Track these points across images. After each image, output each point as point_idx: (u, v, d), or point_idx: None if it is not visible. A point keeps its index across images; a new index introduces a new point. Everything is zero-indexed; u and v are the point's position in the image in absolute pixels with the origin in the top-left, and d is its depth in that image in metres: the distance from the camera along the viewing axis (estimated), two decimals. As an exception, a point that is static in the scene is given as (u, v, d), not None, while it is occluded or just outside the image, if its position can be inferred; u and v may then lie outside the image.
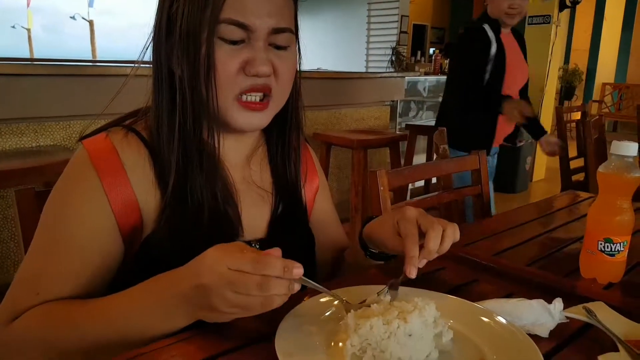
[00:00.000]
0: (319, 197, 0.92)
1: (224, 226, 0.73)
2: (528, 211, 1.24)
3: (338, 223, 0.97)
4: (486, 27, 2.25)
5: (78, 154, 0.72)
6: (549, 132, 2.45)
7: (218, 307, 0.53)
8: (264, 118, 0.73)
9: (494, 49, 2.23)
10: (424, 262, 0.67)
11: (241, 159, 0.80)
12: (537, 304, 0.65)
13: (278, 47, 0.71)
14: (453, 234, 0.68)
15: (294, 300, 0.62)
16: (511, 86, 2.32)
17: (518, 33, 2.42)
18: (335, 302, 0.64)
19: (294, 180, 0.84)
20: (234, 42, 0.68)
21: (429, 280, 0.81)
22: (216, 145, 0.73)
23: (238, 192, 0.77)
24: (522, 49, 2.41)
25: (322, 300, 0.65)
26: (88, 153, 0.70)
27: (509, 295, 0.75)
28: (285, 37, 0.71)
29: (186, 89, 0.69)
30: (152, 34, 0.72)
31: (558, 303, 0.65)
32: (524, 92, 2.44)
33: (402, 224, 0.69)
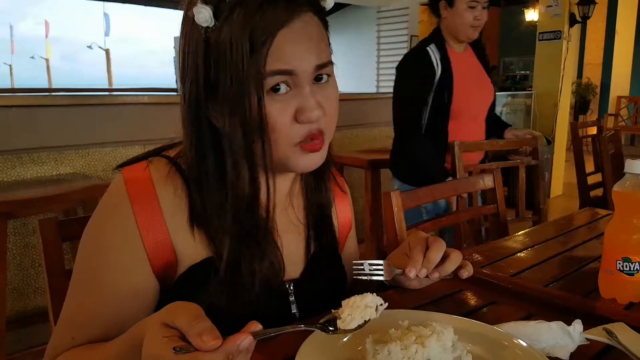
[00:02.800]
0: (350, 236, 0.92)
1: (267, 270, 0.72)
2: (546, 230, 1.23)
3: (356, 249, 0.96)
4: (430, 49, 2.00)
5: (115, 182, 0.71)
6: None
7: None
8: (322, 155, 0.72)
9: (438, 73, 1.98)
10: (424, 271, 0.70)
11: (283, 196, 0.80)
12: (557, 326, 0.65)
13: (319, 79, 0.70)
14: (456, 258, 0.72)
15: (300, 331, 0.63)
16: (476, 108, 2.09)
17: (477, 45, 2.19)
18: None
19: (328, 214, 0.83)
20: (277, 90, 0.66)
21: (446, 302, 0.81)
22: (264, 188, 0.71)
23: (279, 231, 0.76)
24: (483, 63, 2.17)
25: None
26: (124, 180, 0.69)
27: (528, 317, 0.74)
28: (327, 69, 0.70)
29: (234, 147, 0.68)
30: (185, 97, 0.70)
31: (578, 325, 0.65)
32: (491, 115, 2.21)
33: (412, 240, 0.74)
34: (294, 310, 0.76)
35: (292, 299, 0.76)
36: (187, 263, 0.70)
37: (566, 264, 1.00)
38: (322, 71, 0.69)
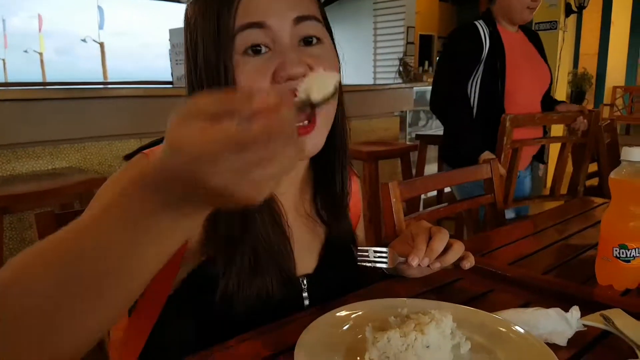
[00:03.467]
0: (359, 227, 0.91)
1: (279, 264, 0.69)
2: (542, 219, 1.23)
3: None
4: (479, 23, 1.93)
5: (136, 159, 0.66)
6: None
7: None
8: (316, 139, 0.64)
9: (486, 47, 1.90)
10: (426, 260, 0.70)
11: (294, 188, 0.76)
12: (554, 312, 0.65)
13: (308, 42, 0.63)
14: (459, 249, 0.72)
15: (312, 315, 0.63)
16: (530, 91, 1.98)
17: (531, 31, 2.10)
18: (353, 316, 0.64)
19: (342, 205, 0.79)
20: (258, 52, 0.60)
21: (445, 291, 0.81)
22: None
23: (290, 226, 0.73)
24: (539, 50, 2.07)
25: (339, 314, 0.65)
26: (149, 158, 0.65)
27: (526, 304, 0.75)
28: (312, 25, 0.63)
29: None
30: (185, 78, 0.67)
31: (575, 311, 0.65)
32: (546, 99, 2.08)
33: (415, 229, 0.73)
34: (306, 304, 0.74)
35: (305, 294, 0.74)
36: (195, 256, 0.67)
37: (563, 252, 1.00)
38: (306, 26, 0.62)
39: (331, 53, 0.67)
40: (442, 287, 0.82)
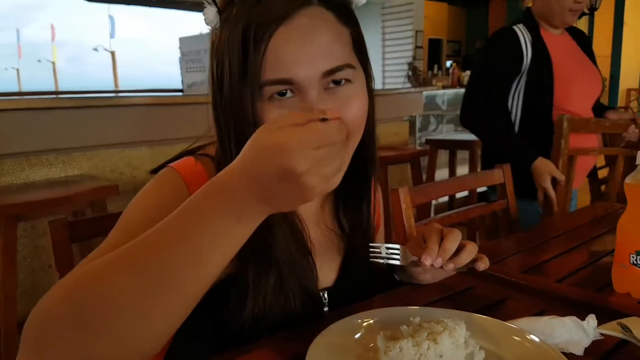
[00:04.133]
0: (378, 237, 0.90)
1: (301, 281, 0.69)
2: (556, 224, 1.22)
3: None
4: (518, 28, 1.72)
5: (165, 172, 0.66)
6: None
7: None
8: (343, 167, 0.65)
9: (528, 56, 1.70)
10: (439, 260, 0.68)
11: (315, 203, 0.76)
12: (570, 321, 0.64)
13: (337, 82, 0.62)
14: (472, 250, 0.70)
15: (324, 323, 0.63)
16: (581, 100, 1.77)
17: (577, 31, 1.88)
18: (365, 324, 0.64)
19: (366, 223, 0.78)
20: (283, 94, 0.60)
21: (458, 298, 0.80)
22: None
23: (312, 239, 0.72)
24: (587, 52, 1.85)
25: (351, 322, 0.64)
26: (179, 172, 0.65)
27: (540, 313, 0.74)
28: (343, 75, 0.62)
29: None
30: (210, 91, 0.65)
31: (592, 320, 0.64)
32: (596, 106, 1.87)
33: (427, 231, 0.72)
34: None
35: (326, 309, 0.74)
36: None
37: (578, 259, 0.99)
38: (335, 77, 0.61)
39: (360, 91, 0.65)
40: (454, 294, 0.81)
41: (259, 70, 0.58)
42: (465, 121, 1.84)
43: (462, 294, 0.82)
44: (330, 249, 0.77)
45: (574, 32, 1.86)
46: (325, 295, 0.74)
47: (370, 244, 0.71)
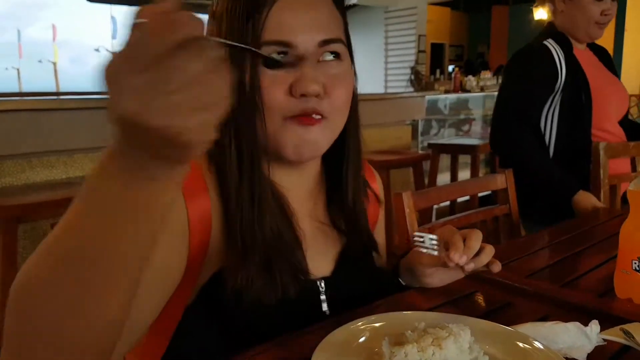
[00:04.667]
0: (377, 231, 0.90)
1: (292, 264, 0.69)
2: (559, 230, 1.22)
3: (384, 252, 0.93)
4: (549, 43, 1.60)
5: None
6: None
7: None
8: (319, 135, 0.66)
9: (563, 74, 1.58)
10: (464, 258, 0.68)
11: (305, 193, 0.76)
12: (573, 326, 0.64)
13: (328, 58, 0.66)
14: (490, 251, 0.71)
15: (326, 329, 0.63)
16: (613, 117, 1.68)
17: (597, 47, 1.79)
18: (369, 329, 0.64)
19: (356, 213, 0.78)
20: (279, 65, 0.63)
21: (462, 303, 0.80)
22: (278, 181, 0.70)
23: (303, 230, 0.73)
24: (609, 67, 1.77)
25: (355, 327, 0.64)
26: None
27: (544, 318, 0.74)
28: (335, 47, 0.66)
29: (233, 124, 0.64)
30: None
31: (595, 325, 0.64)
32: (625, 123, 1.75)
33: (447, 232, 0.72)
34: (324, 308, 0.74)
35: (322, 297, 0.74)
36: (216, 262, 0.67)
37: (581, 264, 0.99)
38: (329, 48, 0.65)
39: (348, 73, 0.69)
40: (458, 299, 0.81)
41: (259, 33, 0.61)
42: (497, 147, 1.70)
43: (466, 298, 0.82)
44: (325, 242, 0.77)
45: (594, 48, 1.76)
46: (322, 284, 0.74)
47: (416, 233, 0.73)
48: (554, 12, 1.67)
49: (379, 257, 0.87)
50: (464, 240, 0.70)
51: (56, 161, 2.32)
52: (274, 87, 0.63)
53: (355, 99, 0.74)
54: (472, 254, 0.69)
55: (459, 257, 0.67)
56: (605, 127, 1.64)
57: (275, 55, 0.64)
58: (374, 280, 0.81)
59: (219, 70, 0.34)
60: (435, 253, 0.71)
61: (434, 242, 0.71)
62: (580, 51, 1.67)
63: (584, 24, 1.59)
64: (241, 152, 0.65)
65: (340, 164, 0.76)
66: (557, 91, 1.59)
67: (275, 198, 0.70)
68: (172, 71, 0.32)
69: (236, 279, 0.64)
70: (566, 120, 1.60)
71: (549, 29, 1.68)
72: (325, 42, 0.65)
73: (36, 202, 1.81)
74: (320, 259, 0.75)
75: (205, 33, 0.34)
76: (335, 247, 0.78)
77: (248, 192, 0.66)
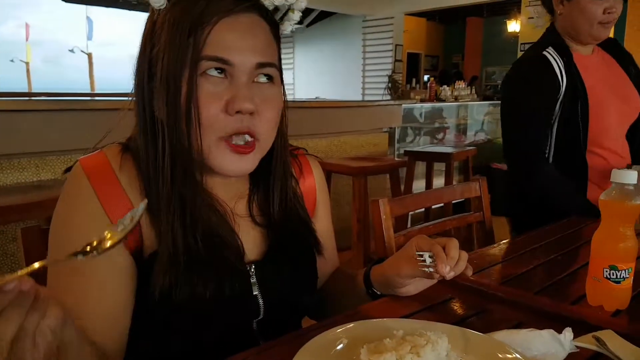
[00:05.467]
0: (318, 216, 0.91)
1: (224, 252, 0.72)
2: (532, 237, 1.24)
3: (332, 244, 0.95)
4: (549, 53, 1.49)
5: (73, 170, 0.71)
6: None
7: None
8: (250, 162, 0.72)
9: (563, 86, 1.47)
10: (448, 269, 0.72)
11: (231, 196, 0.79)
12: (548, 334, 0.65)
13: (261, 81, 0.70)
14: (465, 257, 0.75)
15: (304, 335, 0.63)
16: (615, 133, 1.55)
17: (613, 43, 1.64)
18: (347, 337, 0.63)
19: (283, 212, 0.82)
20: (214, 77, 0.67)
21: (436, 310, 0.81)
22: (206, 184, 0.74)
23: (236, 217, 0.77)
24: (624, 67, 1.60)
25: (333, 335, 0.64)
26: (82, 166, 0.70)
27: (518, 325, 0.75)
28: (269, 70, 0.71)
29: (167, 134, 0.68)
30: (134, 78, 0.72)
31: (568, 333, 0.65)
32: (636, 130, 1.59)
33: (424, 243, 0.76)
34: (255, 292, 0.75)
35: (253, 280, 0.75)
36: (149, 245, 0.70)
37: (553, 271, 1.01)
38: (264, 71, 0.70)
39: (278, 95, 0.74)
40: (434, 306, 0.82)
41: (200, 48, 0.65)
42: (516, 162, 1.59)
43: (441, 305, 0.83)
44: (254, 232, 0.79)
45: (607, 43, 1.60)
46: (252, 269, 0.76)
47: (417, 252, 0.75)
48: (554, 16, 1.57)
49: (323, 248, 0.87)
50: (443, 249, 0.73)
51: (27, 163, 2.25)
52: (211, 102, 0.67)
53: (284, 119, 0.79)
54: (454, 263, 0.72)
55: (447, 270, 0.71)
56: (604, 144, 1.52)
57: (211, 72, 0.67)
58: (305, 265, 0.84)
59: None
60: (432, 270, 0.73)
61: (432, 259, 0.74)
62: (585, 57, 1.54)
63: (585, 25, 1.46)
64: (174, 161, 0.68)
65: (266, 177, 0.81)
66: (557, 104, 1.50)
67: (204, 197, 0.73)
68: None
69: (163, 281, 0.66)
70: (562, 138, 1.52)
71: (550, 33, 1.57)
72: (261, 65, 0.69)
73: (6, 205, 1.75)
74: (250, 247, 0.78)
75: None
76: (262, 238, 0.80)
77: (180, 197, 0.69)
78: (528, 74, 1.55)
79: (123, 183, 0.69)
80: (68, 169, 0.72)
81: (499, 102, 1.68)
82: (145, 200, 0.52)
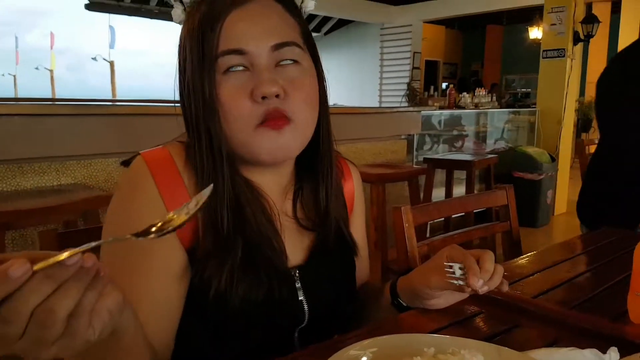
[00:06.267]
0: (354, 224, 0.89)
1: (270, 257, 0.71)
2: (564, 248, 1.19)
3: (365, 254, 0.92)
4: None
5: (134, 162, 0.70)
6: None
7: None
8: (288, 137, 0.69)
9: None
10: (481, 283, 0.67)
11: (278, 191, 0.78)
12: (591, 353, 0.61)
13: (285, 63, 0.69)
14: (501, 271, 0.70)
15: (331, 348, 0.59)
16: None
17: None
18: (374, 353, 0.60)
19: (328, 212, 0.79)
20: (237, 73, 0.67)
21: (467, 325, 0.76)
22: (254, 179, 0.73)
23: (281, 220, 0.75)
24: None
25: (361, 349, 0.60)
26: (144, 160, 0.69)
27: (554, 341, 0.70)
28: (290, 51, 0.69)
29: (208, 135, 0.68)
30: (179, 88, 0.73)
31: (614, 353, 0.61)
32: None
33: (456, 253, 0.72)
34: (300, 297, 0.74)
35: (298, 285, 0.74)
36: (205, 244, 0.68)
37: (589, 285, 0.95)
38: (284, 51, 0.68)
39: (308, 75, 0.71)
40: (463, 321, 0.77)
41: (215, 46, 0.65)
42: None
43: (470, 319, 0.79)
44: (298, 234, 0.78)
45: None
46: (297, 273, 0.74)
47: (445, 263, 0.71)
48: None
49: (358, 257, 0.86)
50: (477, 262, 0.69)
51: (48, 167, 2.27)
52: (236, 96, 0.66)
53: (325, 103, 0.76)
54: (489, 277, 0.68)
55: (480, 284, 0.67)
56: None
57: (233, 69, 0.67)
58: (347, 272, 0.83)
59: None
60: (462, 283, 0.69)
61: (462, 271, 0.69)
62: None
63: None
64: (214, 156, 0.68)
65: (313, 167, 0.78)
66: None
67: (253, 195, 0.72)
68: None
69: (220, 281, 0.66)
70: None
71: None
72: (279, 46, 0.68)
73: (25, 208, 1.76)
74: (294, 250, 0.76)
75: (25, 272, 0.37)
76: (306, 241, 0.79)
77: (227, 191, 0.68)
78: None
79: (185, 180, 0.69)
80: (126, 162, 0.71)
81: (521, 109, 1.56)
82: (211, 185, 0.50)
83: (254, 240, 0.69)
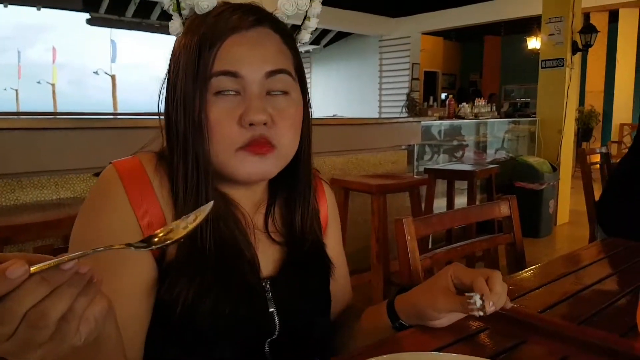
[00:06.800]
0: (329, 236, 0.88)
1: (242, 266, 0.71)
2: (569, 261, 1.17)
3: (343, 271, 0.91)
4: None
5: (105, 171, 0.70)
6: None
7: None
8: (270, 164, 0.70)
9: None
10: (492, 306, 0.67)
11: (250, 205, 0.78)
12: (601, 371, 0.59)
13: (275, 93, 0.70)
14: (506, 289, 0.70)
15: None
16: None
17: None
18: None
19: (302, 228, 0.80)
20: (228, 96, 0.68)
21: (472, 343, 0.74)
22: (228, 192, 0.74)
23: (255, 232, 0.76)
24: None
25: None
26: (116, 168, 0.69)
27: (563, 358, 0.68)
28: (281, 79, 0.70)
29: (189, 149, 0.68)
30: (164, 100, 0.73)
31: (625, 370, 0.59)
32: None
33: (462, 272, 0.71)
34: (271, 308, 0.73)
35: (269, 296, 0.73)
36: (171, 252, 0.68)
37: (597, 298, 0.93)
38: (276, 79, 0.69)
39: (294, 105, 0.73)
40: (469, 337, 0.76)
41: (210, 65, 0.66)
42: None
43: (476, 336, 0.77)
44: (267, 248, 0.78)
45: None
46: (268, 284, 0.74)
47: (467, 294, 0.69)
48: None
49: (333, 277, 0.85)
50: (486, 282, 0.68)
51: (47, 181, 2.26)
52: (225, 119, 0.67)
53: (308, 128, 0.77)
54: (498, 299, 0.68)
55: (493, 308, 0.67)
56: None
57: (225, 92, 0.67)
58: (320, 286, 0.82)
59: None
60: (482, 314, 0.67)
61: (481, 301, 0.67)
62: None
63: None
64: (199, 173, 0.69)
65: (290, 186, 0.79)
66: None
67: (229, 208, 0.73)
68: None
69: (188, 293, 0.65)
70: None
71: None
72: (272, 73, 0.69)
73: (24, 223, 1.75)
74: (267, 263, 0.76)
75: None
76: (278, 254, 0.79)
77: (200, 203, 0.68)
78: None
79: (156, 189, 0.69)
80: (98, 173, 0.72)
81: (521, 119, 1.58)
82: (212, 202, 0.50)
83: (227, 252, 0.70)
